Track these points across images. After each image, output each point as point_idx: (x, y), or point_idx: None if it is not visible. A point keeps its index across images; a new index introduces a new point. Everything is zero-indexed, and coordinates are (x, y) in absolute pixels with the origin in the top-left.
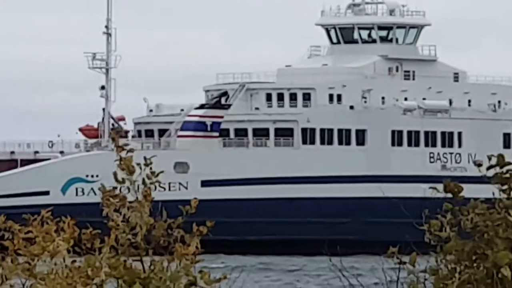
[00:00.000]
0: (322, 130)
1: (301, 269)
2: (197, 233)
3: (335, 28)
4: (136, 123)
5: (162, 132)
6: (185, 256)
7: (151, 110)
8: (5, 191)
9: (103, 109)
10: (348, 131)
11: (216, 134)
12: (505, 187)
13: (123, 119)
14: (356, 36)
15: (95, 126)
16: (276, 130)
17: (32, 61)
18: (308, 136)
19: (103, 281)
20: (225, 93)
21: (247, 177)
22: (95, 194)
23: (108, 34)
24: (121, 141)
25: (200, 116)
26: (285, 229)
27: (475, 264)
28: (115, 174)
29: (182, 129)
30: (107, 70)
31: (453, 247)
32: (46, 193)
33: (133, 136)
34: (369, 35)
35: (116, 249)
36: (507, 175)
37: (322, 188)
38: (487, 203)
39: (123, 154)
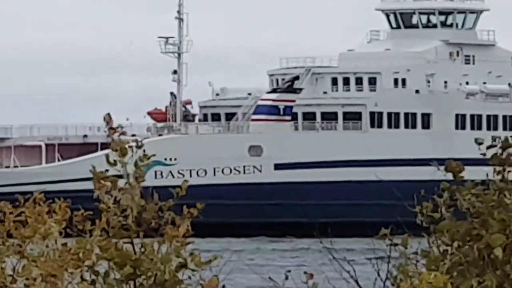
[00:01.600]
0: (389, 114)
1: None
2: (187, 215)
3: (395, 13)
4: (202, 107)
5: (229, 116)
6: (175, 238)
7: (217, 94)
8: (86, 174)
9: (171, 93)
10: (414, 114)
11: (289, 117)
12: (500, 168)
13: (189, 102)
14: (415, 21)
15: (163, 109)
16: (345, 114)
17: (96, 45)
18: (376, 119)
19: (94, 263)
20: (296, 77)
21: (318, 160)
22: (173, 177)
23: (180, 19)
24: (191, 125)
25: (273, 100)
26: (354, 211)
27: (467, 246)
28: (107, 156)
29: (255, 113)
30: (179, 54)
31: (447, 227)
32: None
33: (199, 120)
34: (428, 20)
35: (107, 231)
36: (503, 156)
37: (390, 171)
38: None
39: (116, 136)
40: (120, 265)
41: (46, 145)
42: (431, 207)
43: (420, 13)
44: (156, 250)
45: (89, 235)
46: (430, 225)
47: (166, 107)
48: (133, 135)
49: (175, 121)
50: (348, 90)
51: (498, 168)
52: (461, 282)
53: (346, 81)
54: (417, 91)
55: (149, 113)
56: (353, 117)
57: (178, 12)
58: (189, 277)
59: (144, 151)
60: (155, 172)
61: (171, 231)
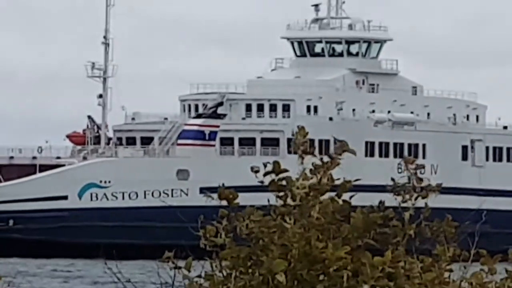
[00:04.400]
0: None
1: None
2: None
3: (301, 42)
4: (116, 131)
5: (144, 140)
6: None
7: (133, 118)
8: (26, 195)
9: (88, 116)
10: (327, 141)
11: (214, 142)
12: (282, 194)
13: (105, 126)
14: (319, 49)
15: (81, 133)
16: (262, 140)
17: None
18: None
19: None
20: (221, 103)
21: (239, 184)
22: (107, 199)
23: (106, 44)
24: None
25: (199, 125)
26: None
27: (250, 270)
28: None
29: (181, 137)
30: (104, 79)
31: (229, 254)
32: (65, 197)
33: (115, 144)
34: (333, 49)
35: None
36: (283, 182)
37: None
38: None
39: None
40: None
41: None
42: (214, 231)
43: (326, 42)
44: None
45: None
46: (213, 249)
47: (84, 130)
48: (58, 158)
49: (95, 144)
50: (262, 117)
51: (280, 193)
52: None
53: (260, 108)
54: (330, 119)
55: (68, 136)
56: (270, 143)
57: (104, 37)
58: None
59: None
60: (91, 194)
61: None
